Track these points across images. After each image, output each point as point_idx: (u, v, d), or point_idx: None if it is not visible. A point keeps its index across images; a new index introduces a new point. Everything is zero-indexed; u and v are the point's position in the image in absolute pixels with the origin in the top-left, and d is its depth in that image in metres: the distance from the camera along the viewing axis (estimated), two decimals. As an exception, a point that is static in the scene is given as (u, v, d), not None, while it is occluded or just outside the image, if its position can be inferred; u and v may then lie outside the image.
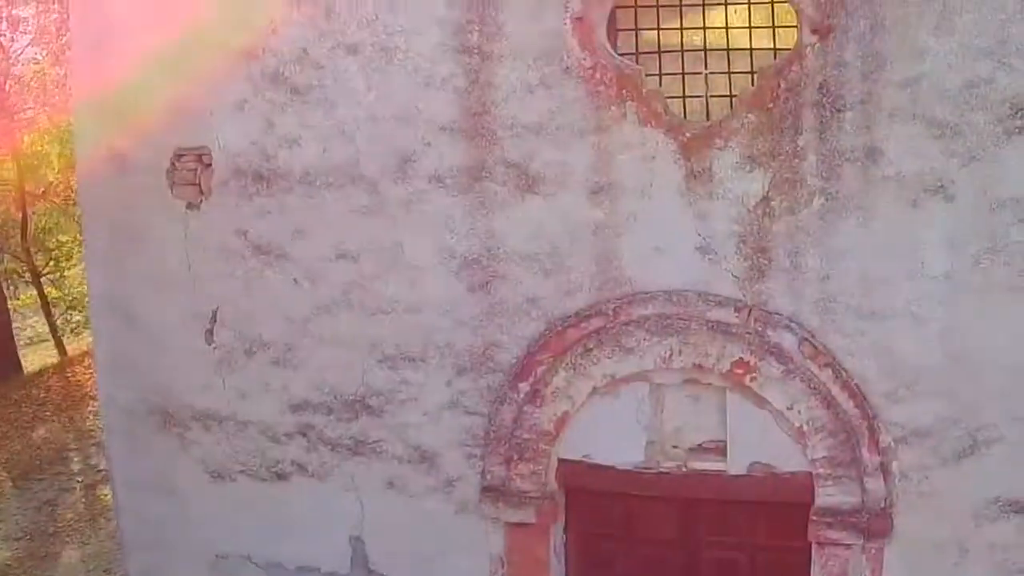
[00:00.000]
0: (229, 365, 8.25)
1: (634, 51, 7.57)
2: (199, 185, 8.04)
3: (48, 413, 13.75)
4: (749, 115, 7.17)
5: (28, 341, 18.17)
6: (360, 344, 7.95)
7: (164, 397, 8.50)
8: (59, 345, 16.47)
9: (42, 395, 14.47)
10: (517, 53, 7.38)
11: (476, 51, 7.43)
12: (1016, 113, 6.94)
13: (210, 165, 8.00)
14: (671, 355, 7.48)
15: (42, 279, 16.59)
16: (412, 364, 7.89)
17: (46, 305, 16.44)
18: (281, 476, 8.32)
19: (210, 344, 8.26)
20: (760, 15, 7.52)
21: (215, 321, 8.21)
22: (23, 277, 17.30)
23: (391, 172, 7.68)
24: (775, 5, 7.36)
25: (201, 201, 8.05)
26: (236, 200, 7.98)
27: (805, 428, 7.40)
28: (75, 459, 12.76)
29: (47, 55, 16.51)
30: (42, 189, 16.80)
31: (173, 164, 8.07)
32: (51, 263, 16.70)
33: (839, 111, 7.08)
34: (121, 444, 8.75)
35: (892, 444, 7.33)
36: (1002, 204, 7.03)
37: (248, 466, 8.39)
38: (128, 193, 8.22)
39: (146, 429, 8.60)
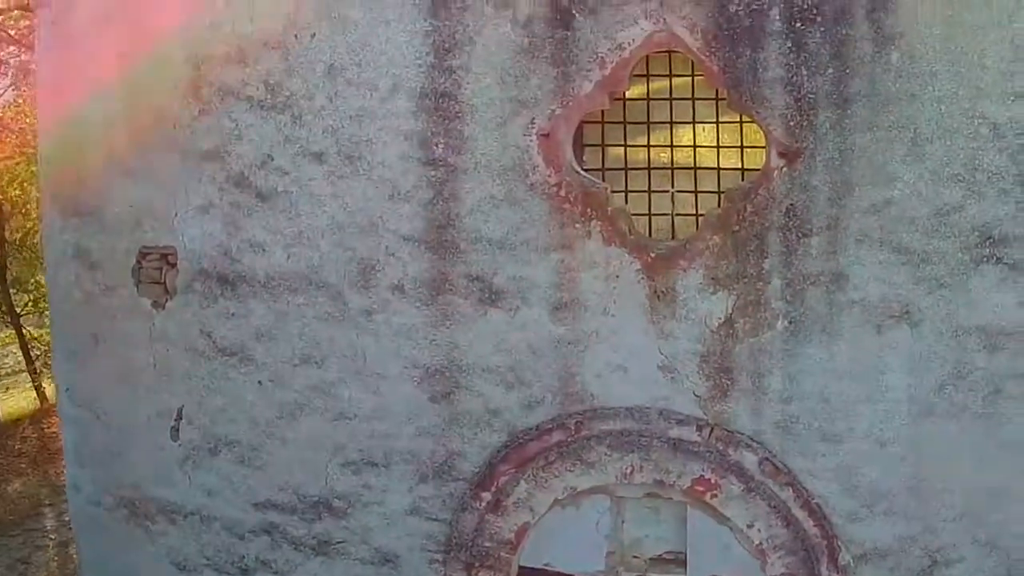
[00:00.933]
0: (195, 462, 8.22)
1: (600, 167, 7.53)
2: (164, 284, 8.00)
3: (23, 465, 13.67)
4: (714, 237, 7.14)
5: (10, 371, 18.03)
6: (324, 447, 7.92)
7: (131, 489, 8.47)
8: (38, 391, 16.34)
9: (17, 446, 14.37)
10: (482, 167, 7.34)
11: (441, 163, 7.39)
12: (985, 241, 6.93)
13: (175, 265, 7.96)
14: (632, 471, 7.45)
15: (21, 319, 16.51)
16: (375, 469, 7.86)
17: (25, 349, 16.30)
18: (246, 572, 8.29)
19: (176, 441, 8.23)
20: (728, 135, 7.47)
21: (180, 418, 8.18)
22: (2, 319, 17.20)
23: (354, 280, 7.64)
24: (744, 125, 7.30)
25: (167, 300, 8.01)
26: (201, 301, 7.93)
27: (764, 546, 7.38)
28: (49, 515, 12.69)
29: (25, 100, 16.34)
30: (20, 235, 16.71)
31: (139, 262, 8.03)
32: (30, 304, 16.58)
33: (805, 235, 7.05)
34: (89, 533, 8.72)
35: (851, 562, 7.32)
36: (967, 331, 7.01)
37: (214, 561, 8.37)
38: (95, 288, 8.18)
39: (113, 520, 8.57)
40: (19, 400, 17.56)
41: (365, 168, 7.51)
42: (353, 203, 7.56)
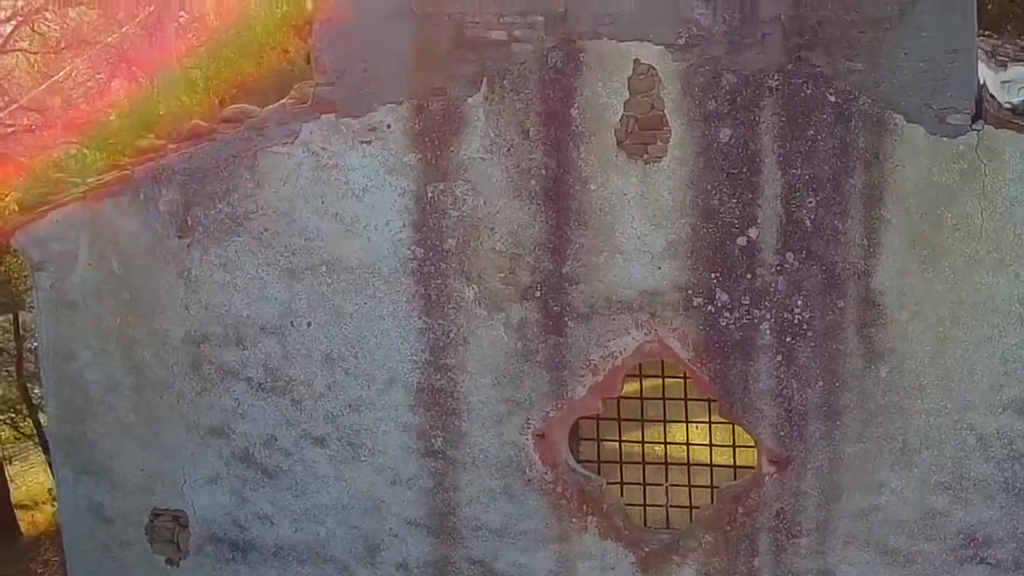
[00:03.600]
0: None
1: (596, 459, 7.68)
2: (177, 543, 8.20)
3: (46, 591, 13.86)
4: (706, 536, 7.34)
5: (29, 466, 17.96)
6: None
7: None
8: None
9: (39, 570, 14.55)
10: (480, 461, 7.52)
11: (440, 455, 7.56)
12: (969, 543, 7.15)
13: (187, 527, 8.16)
14: None
15: (39, 413, 16.58)
16: None
17: (45, 446, 16.30)
18: None
19: None
20: (721, 433, 7.58)
21: (201, 667, 8.51)
22: (20, 411, 17.31)
23: (360, 557, 7.86)
24: (735, 425, 7.42)
25: (180, 559, 8.24)
26: (213, 563, 8.16)
27: None
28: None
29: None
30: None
31: (151, 521, 8.22)
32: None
33: (795, 537, 7.25)
34: None
35: None
36: (951, 624, 7.29)
37: None
38: (110, 542, 8.36)
39: None
40: (35, 476, 17.77)
41: (367, 455, 7.68)
42: (356, 486, 7.74)
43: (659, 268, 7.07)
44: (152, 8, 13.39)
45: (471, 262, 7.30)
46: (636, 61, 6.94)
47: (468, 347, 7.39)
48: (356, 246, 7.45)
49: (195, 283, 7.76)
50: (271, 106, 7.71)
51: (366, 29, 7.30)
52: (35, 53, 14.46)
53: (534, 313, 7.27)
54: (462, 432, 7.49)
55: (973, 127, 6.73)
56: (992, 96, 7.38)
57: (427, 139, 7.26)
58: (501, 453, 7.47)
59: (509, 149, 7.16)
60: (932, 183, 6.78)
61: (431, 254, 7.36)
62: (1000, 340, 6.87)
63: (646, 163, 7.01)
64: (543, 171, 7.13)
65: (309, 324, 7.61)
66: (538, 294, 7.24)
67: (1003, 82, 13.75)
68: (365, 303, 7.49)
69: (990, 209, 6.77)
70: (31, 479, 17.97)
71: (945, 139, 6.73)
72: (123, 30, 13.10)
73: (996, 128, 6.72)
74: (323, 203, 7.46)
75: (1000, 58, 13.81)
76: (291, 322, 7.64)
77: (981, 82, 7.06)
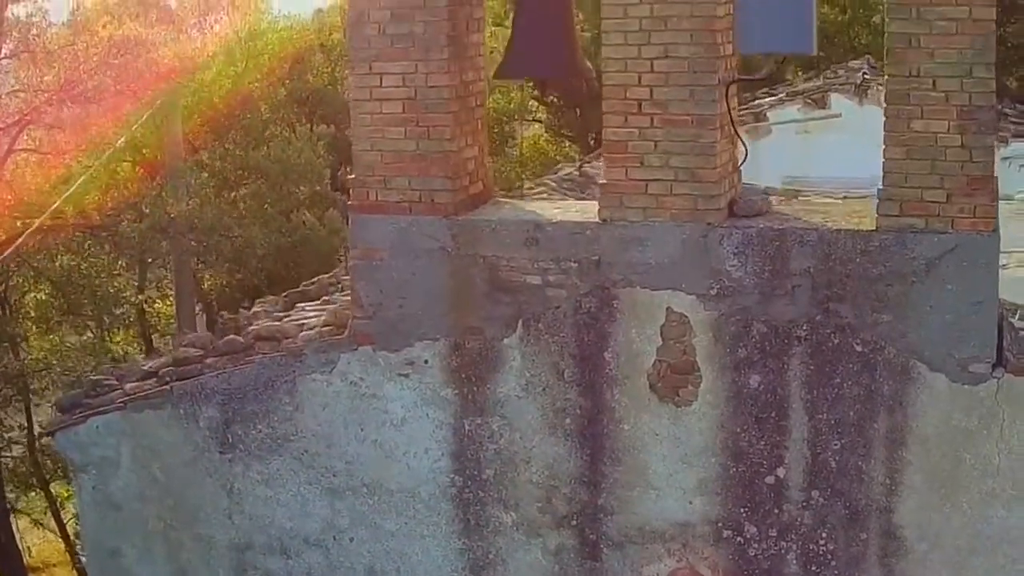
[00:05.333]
0: None
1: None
2: None
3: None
4: None
5: (33, 524, 18.15)
6: None
7: None
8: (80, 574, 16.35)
9: None
10: None
11: (483, 666, 7.94)
12: None
13: None
14: None
15: (51, 485, 16.66)
16: None
17: (60, 521, 16.44)
18: None
19: None
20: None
21: None
22: (32, 485, 17.38)
23: None
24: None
25: None
26: None
27: None
28: None
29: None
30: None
31: None
32: (60, 469, 16.61)
33: None
34: None
35: None
36: None
37: None
38: None
39: None
40: (45, 534, 17.99)
41: (413, 668, 8.06)
42: None
43: (690, 503, 7.37)
44: (160, 102, 13.38)
45: (509, 491, 7.59)
46: (669, 309, 7.18)
47: (507, 567, 7.70)
48: (395, 471, 7.73)
49: (238, 495, 8.04)
50: (307, 332, 7.90)
51: (402, 266, 7.51)
52: (45, 153, 14.46)
53: (570, 540, 7.58)
54: (509, 649, 7.87)
55: (994, 375, 6.99)
56: (1013, 327, 7.62)
57: (464, 376, 7.51)
58: None
59: (544, 389, 7.42)
60: (952, 427, 7.07)
61: (470, 482, 7.64)
62: (1012, 567, 7.22)
63: (678, 406, 7.28)
64: (578, 410, 7.40)
65: (351, 539, 7.91)
66: (574, 523, 7.55)
67: (1004, 159, 13.90)
68: (406, 523, 7.78)
69: (1007, 450, 7.06)
70: (41, 536, 18.31)
71: (966, 386, 7.01)
72: (132, 128, 13.15)
73: (1016, 376, 7.00)
74: (362, 430, 7.72)
75: (1001, 134, 13.92)
76: (333, 536, 7.94)
77: (1001, 320, 7.32)
